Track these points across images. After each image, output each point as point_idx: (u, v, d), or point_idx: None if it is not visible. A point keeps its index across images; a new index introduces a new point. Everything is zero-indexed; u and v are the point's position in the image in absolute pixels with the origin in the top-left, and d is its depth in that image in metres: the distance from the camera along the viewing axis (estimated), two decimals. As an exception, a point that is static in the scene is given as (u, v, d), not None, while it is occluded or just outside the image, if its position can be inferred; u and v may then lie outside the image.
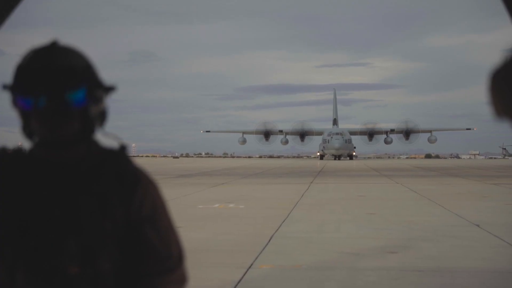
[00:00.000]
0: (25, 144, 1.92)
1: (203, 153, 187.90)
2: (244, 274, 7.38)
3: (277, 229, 11.26)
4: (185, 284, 1.99)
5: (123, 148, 1.94)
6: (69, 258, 1.82)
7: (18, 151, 1.91)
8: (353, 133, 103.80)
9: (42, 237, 1.83)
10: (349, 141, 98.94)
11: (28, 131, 1.85)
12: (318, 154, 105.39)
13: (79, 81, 1.81)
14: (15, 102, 1.83)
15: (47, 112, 1.79)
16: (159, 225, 1.95)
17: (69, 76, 1.80)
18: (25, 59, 1.84)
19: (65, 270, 1.82)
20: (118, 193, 1.90)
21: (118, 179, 1.90)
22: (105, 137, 1.94)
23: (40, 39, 1.89)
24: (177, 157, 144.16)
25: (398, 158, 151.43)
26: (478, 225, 11.83)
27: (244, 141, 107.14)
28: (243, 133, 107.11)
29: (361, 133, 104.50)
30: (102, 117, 1.90)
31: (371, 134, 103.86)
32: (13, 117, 1.89)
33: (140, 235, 1.93)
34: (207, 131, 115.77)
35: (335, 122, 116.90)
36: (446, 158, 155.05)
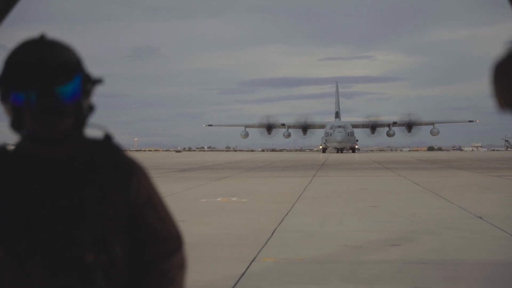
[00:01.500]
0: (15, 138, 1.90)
1: (206, 147, 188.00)
2: (247, 268, 7.39)
3: (280, 223, 11.27)
4: (186, 269, 2.02)
5: (110, 138, 1.94)
6: (84, 248, 1.84)
7: (2, 148, 1.90)
8: (355, 126, 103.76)
9: (55, 230, 1.83)
10: (352, 134, 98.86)
11: (17, 125, 1.82)
12: (321, 147, 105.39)
13: (72, 75, 1.80)
14: (6, 97, 1.80)
15: (39, 109, 1.77)
16: (157, 209, 1.99)
17: (61, 70, 1.78)
18: (15, 53, 1.81)
19: (81, 259, 1.84)
20: (116, 182, 1.91)
21: (114, 169, 1.92)
22: (91, 128, 1.93)
23: (32, 35, 1.86)
24: (179, 151, 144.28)
25: (401, 150, 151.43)
26: (480, 217, 11.83)
27: (246, 135, 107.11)
28: (246, 126, 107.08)
29: (364, 126, 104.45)
30: (90, 110, 1.89)
31: (373, 127, 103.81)
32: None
33: (141, 221, 1.96)
34: (209, 125, 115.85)
35: (337, 115, 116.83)
36: (448, 150, 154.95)
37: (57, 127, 1.81)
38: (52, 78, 1.77)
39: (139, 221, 1.95)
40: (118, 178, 1.92)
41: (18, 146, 1.89)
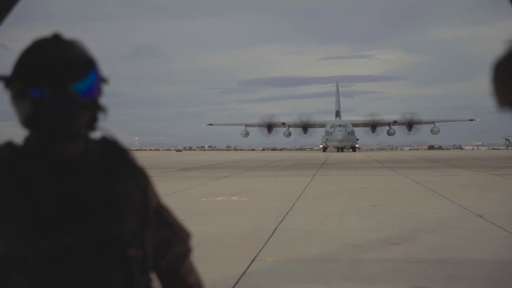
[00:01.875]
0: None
1: (206, 146, 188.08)
2: (248, 267, 7.40)
3: (281, 222, 11.28)
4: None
5: (116, 140, 1.95)
6: (127, 243, 1.85)
7: (10, 144, 1.88)
8: (355, 125, 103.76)
9: (97, 224, 1.82)
10: (352, 133, 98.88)
11: (33, 121, 1.80)
12: (321, 146, 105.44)
13: (85, 72, 1.80)
14: (19, 95, 1.79)
15: (55, 105, 1.77)
16: (168, 208, 2.07)
17: (75, 67, 1.79)
18: (28, 51, 1.81)
19: (124, 254, 1.85)
20: (133, 183, 1.93)
21: (129, 170, 1.93)
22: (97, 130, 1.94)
23: (43, 34, 1.87)
24: (180, 151, 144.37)
25: (401, 149, 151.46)
26: (481, 216, 11.83)
27: (247, 134, 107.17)
28: (246, 126, 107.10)
29: (364, 125, 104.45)
30: (102, 110, 1.89)
31: (373, 126, 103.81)
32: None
33: (163, 222, 2.04)
34: (210, 124, 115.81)
35: (337, 114, 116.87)
36: (449, 149, 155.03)
37: (74, 123, 1.80)
38: (65, 75, 1.77)
39: (161, 223, 2.02)
40: (133, 180, 1.93)
41: (28, 141, 1.87)
